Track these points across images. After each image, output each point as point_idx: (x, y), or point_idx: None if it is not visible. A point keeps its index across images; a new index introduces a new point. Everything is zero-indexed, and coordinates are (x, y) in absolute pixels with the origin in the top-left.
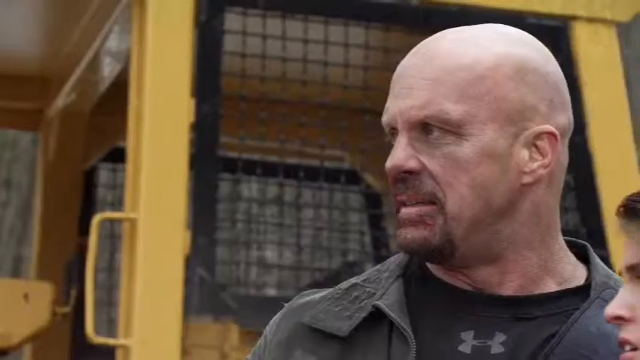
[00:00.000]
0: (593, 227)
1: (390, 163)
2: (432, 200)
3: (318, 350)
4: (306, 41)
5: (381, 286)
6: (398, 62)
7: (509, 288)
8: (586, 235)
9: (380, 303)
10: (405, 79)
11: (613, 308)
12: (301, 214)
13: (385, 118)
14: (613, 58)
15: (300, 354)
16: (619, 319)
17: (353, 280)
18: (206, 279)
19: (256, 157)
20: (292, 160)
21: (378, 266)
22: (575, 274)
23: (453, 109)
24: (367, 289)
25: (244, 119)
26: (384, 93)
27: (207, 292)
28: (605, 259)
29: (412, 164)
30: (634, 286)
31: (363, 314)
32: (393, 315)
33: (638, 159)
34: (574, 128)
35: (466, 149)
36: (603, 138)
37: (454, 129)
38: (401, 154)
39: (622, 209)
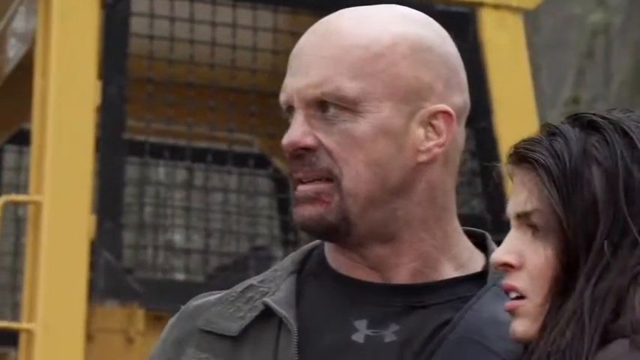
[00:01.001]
0: (498, 213)
1: (286, 139)
2: (329, 177)
3: (210, 349)
4: (214, 24)
5: (275, 285)
6: None
7: (406, 271)
8: (491, 221)
9: (268, 300)
10: (302, 57)
11: (500, 254)
12: (210, 198)
13: (283, 97)
14: (519, 45)
15: (193, 352)
16: (507, 266)
17: (249, 281)
18: (112, 263)
19: (164, 140)
20: (201, 144)
21: (275, 266)
22: (472, 260)
23: (350, 87)
24: (261, 289)
25: (151, 102)
26: None
27: (112, 277)
28: None
29: (308, 141)
30: (523, 233)
31: (255, 313)
32: (278, 309)
33: None
34: (480, 114)
35: (362, 126)
36: (509, 124)
37: (350, 106)
38: (297, 131)
39: (513, 155)
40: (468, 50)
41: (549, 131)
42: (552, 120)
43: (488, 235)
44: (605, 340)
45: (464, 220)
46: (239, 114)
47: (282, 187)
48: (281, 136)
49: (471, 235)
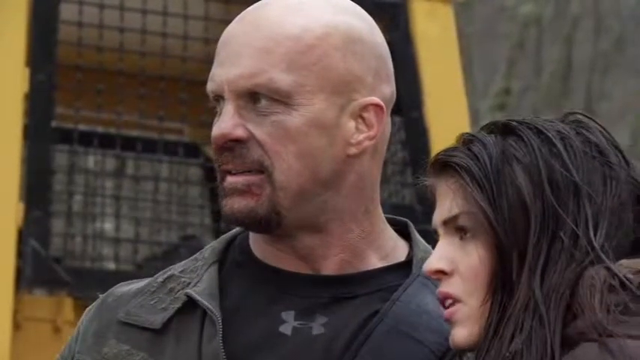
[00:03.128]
0: (428, 203)
1: (216, 131)
2: (260, 169)
3: (132, 340)
4: (144, 12)
5: (196, 275)
6: None
7: (333, 262)
8: (421, 211)
9: (191, 291)
10: (231, 46)
11: (433, 262)
12: (140, 187)
13: (211, 86)
14: (449, 36)
15: (115, 343)
16: (439, 273)
17: (169, 271)
18: (40, 252)
19: (94, 128)
20: (131, 133)
21: (195, 255)
22: (396, 249)
23: (282, 79)
24: (183, 280)
25: (80, 90)
26: None
27: (40, 265)
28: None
29: (239, 132)
30: (452, 239)
31: (177, 305)
32: (201, 300)
33: None
34: (410, 105)
35: (295, 119)
36: (439, 114)
37: (283, 98)
38: (228, 123)
39: (434, 165)
40: (399, 41)
41: (465, 139)
42: (484, 110)
43: (411, 224)
44: (567, 340)
45: (394, 210)
46: (169, 102)
47: (213, 175)
48: (212, 125)
49: (393, 224)
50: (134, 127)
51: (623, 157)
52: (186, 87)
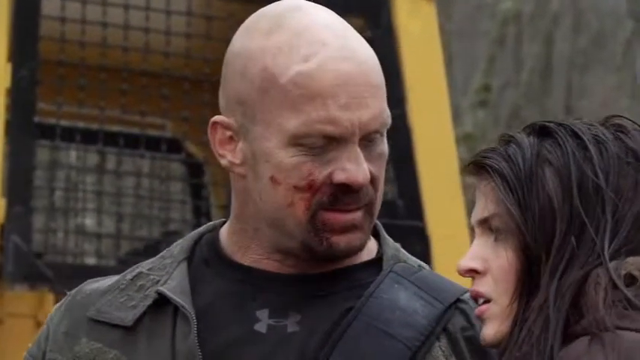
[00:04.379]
0: (410, 199)
1: (353, 179)
2: (366, 205)
3: (104, 338)
4: (127, 7)
5: (165, 272)
6: (220, 30)
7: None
8: (403, 207)
9: (162, 288)
10: (350, 87)
11: (466, 261)
12: (122, 183)
13: (335, 130)
14: (432, 32)
15: (86, 341)
16: (472, 272)
17: (137, 268)
18: (21, 247)
19: (76, 123)
20: (113, 128)
21: (162, 253)
22: (366, 246)
23: (389, 112)
24: (152, 277)
25: (63, 85)
26: (206, 61)
27: (22, 261)
28: (422, 230)
29: (368, 177)
30: (486, 239)
31: (148, 302)
32: (174, 297)
33: (455, 132)
34: (393, 101)
35: (385, 145)
36: (421, 111)
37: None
38: (365, 170)
39: (472, 166)
40: (381, 37)
41: (504, 140)
42: (465, 107)
43: (377, 222)
44: (571, 338)
45: None
46: (152, 98)
47: (194, 171)
48: (194, 121)
49: None
50: (116, 122)
51: None
52: (168, 83)
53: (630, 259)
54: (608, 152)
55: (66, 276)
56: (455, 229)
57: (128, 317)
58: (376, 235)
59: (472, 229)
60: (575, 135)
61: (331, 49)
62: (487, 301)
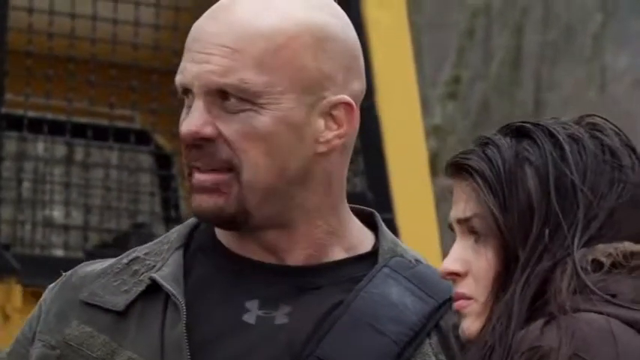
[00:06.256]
0: (379, 191)
1: (185, 128)
2: (228, 168)
3: (95, 322)
4: None
5: (161, 259)
6: (189, 22)
7: (300, 255)
8: (373, 199)
9: (155, 275)
10: (202, 43)
11: (448, 264)
12: (90, 174)
13: (180, 79)
14: (401, 24)
15: (77, 324)
16: (454, 275)
17: (134, 253)
18: None
19: (43, 115)
20: (81, 119)
21: (160, 238)
22: (361, 240)
23: (253, 79)
24: (147, 262)
25: (30, 76)
26: (174, 53)
27: None
28: (391, 222)
29: (208, 131)
30: (466, 241)
31: (141, 288)
32: (165, 285)
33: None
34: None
35: (264, 118)
36: (391, 103)
37: (252, 98)
38: (198, 121)
39: (450, 167)
40: None
41: (481, 142)
42: (434, 99)
43: (377, 214)
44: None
45: (346, 198)
46: (120, 89)
47: (163, 163)
48: (163, 112)
49: (358, 214)
50: (84, 114)
51: (637, 158)
52: (137, 74)
53: (600, 246)
54: (586, 151)
55: (33, 268)
56: (424, 221)
57: (120, 302)
58: (374, 227)
59: (450, 228)
60: (552, 135)
61: (214, 8)
62: (469, 299)
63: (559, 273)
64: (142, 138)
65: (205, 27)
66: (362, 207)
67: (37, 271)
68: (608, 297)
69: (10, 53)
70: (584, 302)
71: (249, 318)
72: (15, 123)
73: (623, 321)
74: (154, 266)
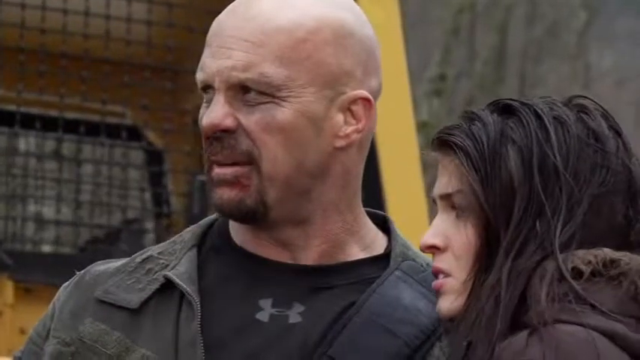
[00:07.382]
0: (371, 187)
1: (206, 121)
2: (248, 160)
3: (109, 319)
4: None
5: (175, 258)
6: (182, 18)
7: (315, 252)
8: (364, 195)
9: (170, 273)
10: (223, 38)
11: (428, 237)
12: (81, 170)
13: (201, 75)
14: (394, 22)
15: (91, 321)
16: (433, 248)
17: (148, 251)
18: None
19: (35, 110)
20: (72, 115)
21: (174, 238)
22: (376, 241)
23: (273, 73)
24: (161, 261)
25: (23, 72)
26: (167, 49)
27: None
28: None
29: (229, 122)
30: (447, 216)
31: (155, 286)
32: (180, 283)
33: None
34: None
35: (284, 110)
36: (382, 99)
37: (273, 91)
38: (219, 113)
39: (436, 141)
40: None
41: (468, 117)
42: (419, 96)
43: (390, 218)
44: (516, 326)
45: None
46: (112, 86)
47: (154, 159)
48: (154, 109)
49: (371, 216)
50: (76, 109)
51: (623, 143)
52: (129, 70)
53: (579, 252)
54: (570, 133)
55: (25, 264)
56: (415, 217)
57: (134, 300)
58: (387, 230)
59: (433, 201)
60: (538, 115)
61: (234, 4)
62: (447, 276)
63: (537, 278)
64: (133, 134)
65: (225, 22)
66: (374, 210)
67: (28, 267)
68: (588, 307)
69: (2, 49)
70: (564, 312)
71: (263, 316)
72: (7, 118)
73: (603, 332)
74: (168, 265)
